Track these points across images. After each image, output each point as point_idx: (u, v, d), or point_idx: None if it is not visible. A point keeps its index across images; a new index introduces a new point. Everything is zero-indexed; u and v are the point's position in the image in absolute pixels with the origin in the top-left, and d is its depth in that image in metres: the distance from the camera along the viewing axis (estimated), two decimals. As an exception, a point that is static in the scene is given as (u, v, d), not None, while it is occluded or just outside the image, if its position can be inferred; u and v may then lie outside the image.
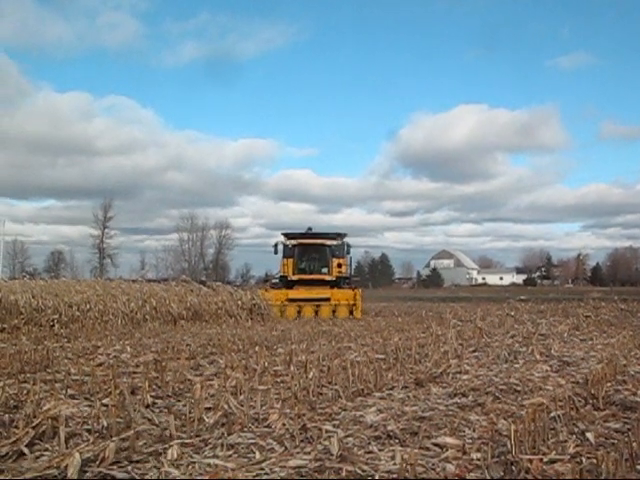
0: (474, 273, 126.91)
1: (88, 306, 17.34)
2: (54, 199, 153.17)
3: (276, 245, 25.08)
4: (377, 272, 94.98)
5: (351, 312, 22.01)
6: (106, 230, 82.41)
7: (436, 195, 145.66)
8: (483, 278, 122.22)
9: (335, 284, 23.78)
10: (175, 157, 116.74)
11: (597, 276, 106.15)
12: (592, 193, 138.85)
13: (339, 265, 24.24)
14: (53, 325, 15.41)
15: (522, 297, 29.86)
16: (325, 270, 24.45)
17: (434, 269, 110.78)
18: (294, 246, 24.63)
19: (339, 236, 24.99)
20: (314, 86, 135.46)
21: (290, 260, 24.41)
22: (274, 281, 26.11)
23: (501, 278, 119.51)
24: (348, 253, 25.03)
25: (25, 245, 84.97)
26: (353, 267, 26.95)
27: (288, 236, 25.20)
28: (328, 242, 24.58)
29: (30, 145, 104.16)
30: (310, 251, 24.78)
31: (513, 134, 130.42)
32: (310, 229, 25.67)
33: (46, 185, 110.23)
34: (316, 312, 21.88)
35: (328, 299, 22.41)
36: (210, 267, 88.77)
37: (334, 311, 22.00)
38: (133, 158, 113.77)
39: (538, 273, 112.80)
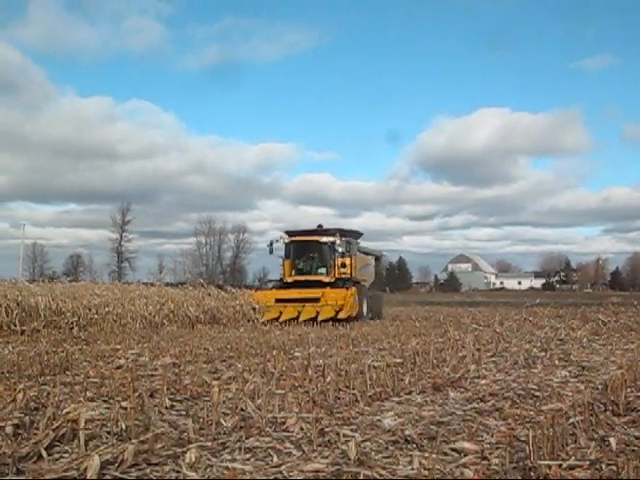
0: (492, 277, 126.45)
1: (107, 309, 17.48)
2: (75, 203, 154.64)
3: (271, 244, 23.29)
4: (394, 276, 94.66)
5: (337, 313, 19.69)
6: (124, 234, 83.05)
7: (456, 199, 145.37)
8: (501, 282, 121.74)
9: (334, 286, 21.40)
10: (195, 161, 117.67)
11: (617, 280, 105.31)
12: (613, 196, 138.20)
13: (343, 265, 22.11)
14: (72, 328, 15.54)
15: (538, 301, 29.49)
16: (323, 270, 22.36)
17: (452, 273, 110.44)
18: (289, 244, 22.91)
19: (340, 233, 22.65)
20: (334, 90, 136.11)
21: (288, 260, 22.76)
22: (268, 283, 25.07)
23: (519, 282, 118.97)
24: (348, 251, 22.65)
25: (45, 248, 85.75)
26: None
27: (289, 234, 23.62)
28: (324, 239, 22.34)
29: (53, 149, 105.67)
30: (307, 250, 22.69)
31: (535, 137, 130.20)
32: (320, 226, 23.76)
33: (67, 189, 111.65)
34: (299, 313, 19.83)
35: (317, 299, 20.31)
36: (227, 271, 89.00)
37: (318, 312, 19.68)
38: (154, 162, 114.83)
39: (557, 277, 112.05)
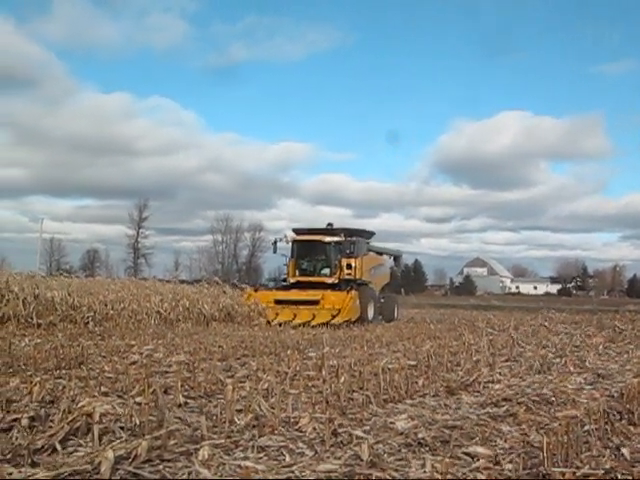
0: (507, 281, 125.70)
1: (122, 305, 17.56)
2: (93, 198, 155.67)
3: (275, 243, 22.36)
4: (410, 278, 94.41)
5: (333, 317, 18.77)
6: (141, 230, 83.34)
7: (474, 202, 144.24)
8: (517, 287, 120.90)
9: (336, 288, 20.53)
10: (214, 159, 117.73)
11: (634, 288, 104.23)
12: (633, 203, 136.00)
13: (348, 266, 21.28)
14: (88, 323, 15.61)
15: (553, 309, 29.29)
16: (326, 271, 21.47)
17: (467, 276, 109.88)
18: (293, 244, 22.14)
19: (346, 232, 21.78)
20: (354, 90, 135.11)
21: (292, 260, 22.03)
22: (271, 283, 24.13)
23: (535, 287, 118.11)
24: (354, 252, 21.63)
25: (62, 243, 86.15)
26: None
27: (296, 232, 22.89)
28: (327, 239, 21.34)
29: (72, 144, 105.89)
30: (311, 250, 21.92)
31: (556, 141, 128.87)
32: (330, 225, 22.65)
33: (85, 184, 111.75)
34: (294, 316, 18.93)
35: (317, 302, 19.40)
36: (243, 269, 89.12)
37: (314, 315, 18.85)
38: (172, 159, 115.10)
39: (573, 283, 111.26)
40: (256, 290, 21.76)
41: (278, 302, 20.15)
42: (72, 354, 8.54)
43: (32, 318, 14.80)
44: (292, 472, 3.67)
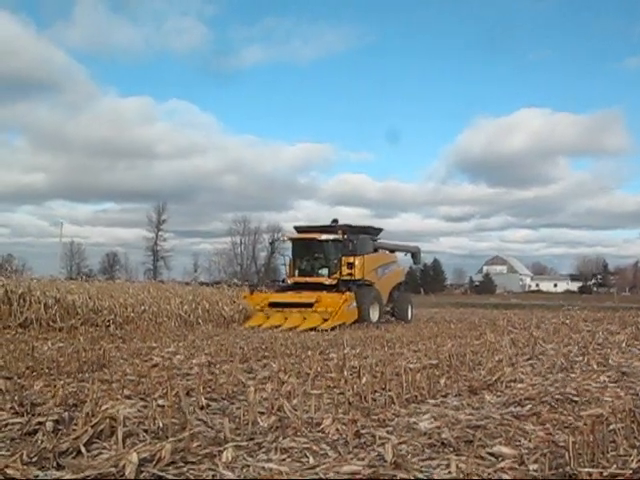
0: (527, 279, 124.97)
1: (142, 308, 17.68)
2: (113, 202, 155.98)
3: (272, 243, 22.44)
4: (429, 278, 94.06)
5: (325, 321, 17.38)
6: (160, 233, 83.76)
7: (493, 200, 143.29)
8: (537, 285, 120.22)
9: (334, 289, 19.12)
10: (232, 161, 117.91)
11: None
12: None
13: (349, 265, 19.74)
14: (109, 326, 15.72)
15: (571, 305, 29.03)
16: (324, 272, 20.13)
17: (487, 275, 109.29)
18: (292, 243, 21.18)
19: (344, 229, 20.32)
20: (372, 90, 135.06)
21: (291, 260, 20.98)
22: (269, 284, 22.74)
23: (555, 285, 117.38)
24: (354, 249, 20.00)
25: (82, 247, 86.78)
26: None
27: (297, 230, 21.88)
28: (323, 236, 19.99)
29: (92, 149, 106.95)
30: (308, 249, 20.61)
31: (576, 138, 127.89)
32: (335, 221, 21.37)
33: (105, 188, 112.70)
34: (285, 320, 17.64)
35: (311, 305, 18.05)
36: (262, 270, 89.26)
37: (305, 319, 17.55)
38: (191, 162, 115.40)
39: (594, 280, 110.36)
40: (252, 292, 20.81)
41: (272, 305, 18.94)
42: (94, 357, 8.60)
43: (54, 322, 14.94)
44: (316, 474, 3.66)
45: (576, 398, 6.07)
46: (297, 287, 19.95)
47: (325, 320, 17.43)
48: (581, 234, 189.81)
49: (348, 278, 19.60)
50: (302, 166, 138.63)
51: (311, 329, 16.46)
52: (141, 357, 9.12)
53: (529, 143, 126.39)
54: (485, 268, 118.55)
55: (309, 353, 9.54)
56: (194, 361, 8.52)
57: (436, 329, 16.47)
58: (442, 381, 6.86)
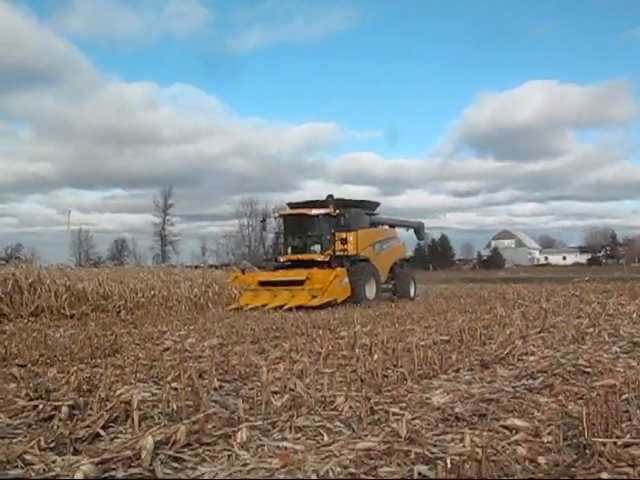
0: (536, 253, 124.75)
1: (152, 292, 17.80)
2: (120, 188, 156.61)
3: (263, 220, 21.16)
4: (437, 254, 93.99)
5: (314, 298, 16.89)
6: (167, 217, 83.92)
7: (501, 174, 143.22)
8: (545, 258, 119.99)
9: (326, 266, 18.53)
10: (239, 143, 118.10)
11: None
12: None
13: (343, 241, 19.06)
14: (119, 311, 15.83)
15: (581, 277, 28.89)
16: (317, 248, 19.55)
17: (495, 249, 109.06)
18: (282, 219, 20.77)
19: (336, 203, 19.59)
20: (376, 68, 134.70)
21: (284, 237, 20.69)
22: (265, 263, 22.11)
23: (564, 258, 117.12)
24: (348, 224, 19.33)
25: (90, 234, 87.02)
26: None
27: (290, 207, 21.34)
28: (314, 211, 19.33)
29: (97, 135, 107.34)
30: (300, 225, 20.02)
31: (582, 109, 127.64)
32: (331, 196, 20.51)
33: (112, 175, 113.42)
34: (275, 298, 17.26)
35: (302, 282, 17.52)
36: (270, 252, 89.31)
37: (293, 297, 17.06)
38: (197, 146, 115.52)
39: (602, 252, 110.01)
40: (243, 272, 20.43)
41: (263, 284, 18.47)
42: (106, 343, 8.65)
43: (65, 309, 15.05)
44: (331, 451, 3.67)
45: (588, 369, 6.06)
46: (290, 265, 19.44)
47: (314, 297, 16.95)
48: (589, 206, 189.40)
49: (342, 254, 19.05)
50: (308, 146, 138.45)
51: (299, 307, 16.03)
52: (153, 341, 9.17)
53: (535, 116, 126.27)
54: (493, 243, 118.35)
55: (320, 332, 9.56)
56: (206, 344, 8.55)
57: (446, 305, 16.48)
58: (454, 356, 6.88)
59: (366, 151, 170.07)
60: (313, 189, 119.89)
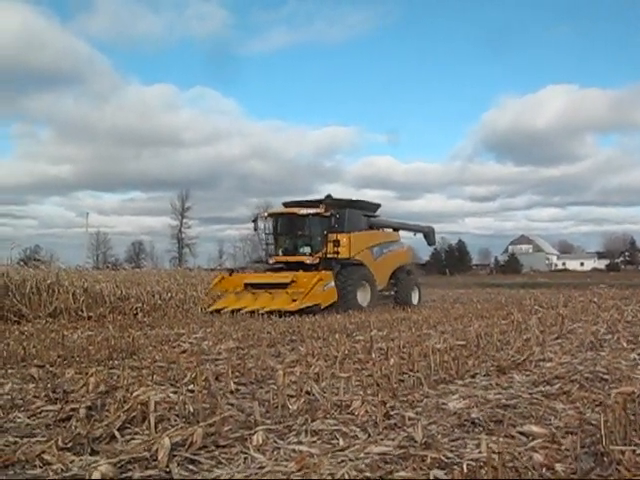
0: (554, 258, 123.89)
1: (169, 295, 17.85)
2: (139, 191, 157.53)
3: (255, 220, 19.83)
4: (454, 258, 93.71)
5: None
6: (184, 220, 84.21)
7: (519, 179, 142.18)
8: (563, 263, 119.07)
9: (314, 269, 17.48)
10: (257, 146, 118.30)
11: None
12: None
13: (335, 243, 17.89)
14: (136, 313, 15.90)
15: (601, 284, 28.66)
16: (307, 250, 18.34)
17: (512, 255, 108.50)
18: (272, 219, 19.40)
19: (329, 204, 18.61)
20: (397, 71, 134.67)
21: (275, 238, 19.40)
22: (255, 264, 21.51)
23: (582, 263, 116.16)
24: (341, 226, 18.41)
25: (108, 236, 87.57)
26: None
27: (285, 206, 20.23)
28: (303, 211, 18.28)
29: (118, 138, 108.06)
30: (290, 225, 19.05)
31: (604, 114, 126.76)
32: (329, 196, 19.48)
33: (131, 177, 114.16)
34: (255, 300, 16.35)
35: (286, 285, 16.47)
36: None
37: (273, 300, 16.17)
38: (216, 148, 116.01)
39: (621, 258, 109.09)
40: (231, 274, 18.81)
41: (249, 286, 17.36)
42: (123, 345, 8.69)
43: (82, 311, 15.14)
44: (346, 455, 3.67)
45: (606, 376, 6.02)
46: (280, 267, 18.61)
47: (294, 301, 15.92)
48: (608, 211, 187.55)
49: (333, 257, 17.92)
50: (327, 150, 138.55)
51: (278, 311, 15.11)
52: (170, 344, 9.21)
53: (555, 120, 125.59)
54: (511, 248, 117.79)
55: (336, 336, 9.55)
56: (222, 346, 8.57)
57: (462, 310, 16.41)
58: (470, 361, 6.85)
59: (383, 155, 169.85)
60: (333, 193, 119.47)
